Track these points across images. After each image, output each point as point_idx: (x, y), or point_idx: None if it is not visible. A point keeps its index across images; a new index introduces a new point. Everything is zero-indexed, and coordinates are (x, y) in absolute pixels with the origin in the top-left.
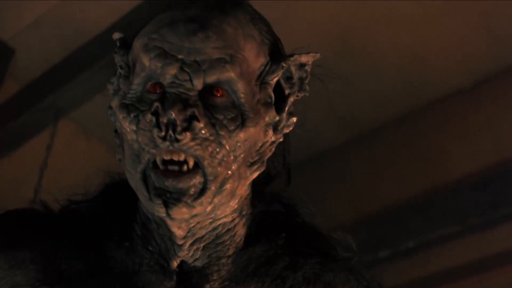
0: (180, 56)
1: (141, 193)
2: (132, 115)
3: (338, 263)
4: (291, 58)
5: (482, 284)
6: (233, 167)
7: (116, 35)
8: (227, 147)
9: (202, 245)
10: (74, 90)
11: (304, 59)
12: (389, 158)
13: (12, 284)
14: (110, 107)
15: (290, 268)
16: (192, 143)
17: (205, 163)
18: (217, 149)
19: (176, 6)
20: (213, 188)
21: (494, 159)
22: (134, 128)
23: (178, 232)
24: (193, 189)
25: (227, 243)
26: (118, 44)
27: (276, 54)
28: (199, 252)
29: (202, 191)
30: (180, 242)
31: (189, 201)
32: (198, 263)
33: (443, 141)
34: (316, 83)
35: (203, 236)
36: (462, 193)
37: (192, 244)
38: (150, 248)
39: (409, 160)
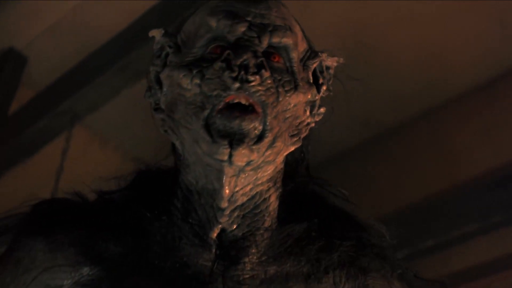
0: (248, 18)
1: (203, 139)
2: (195, 71)
3: (373, 249)
4: (323, 54)
5: (505, 282)
6: (283, 127)
7: (155, 32)
8: (282, 104)
9: (242, 213)
10: (88, 95)
11: (329, 61)
12: (408, 158)
13: (53, 265)
14: (149, 89)
15: (326, 250)
16: (259, 87)
17: (268, 110)
18: (275, 103)
19: None
20: (269, 137)
21: None
22: (198, 81)
23: (226, 191)
24: (254, 132)
25: (264, 213)
26: (161, 33)
27: (311, 47)
28: (239, 220)
29: (260, 138)
30: (224, 205)
31: (250, 143)
32: (238, 232)
33: (461, 139)
34: (335, 85)
35: (243, 204)
36: (482, 190)
37: (233, 211)
38: (190, 220)
39: (428, 159)
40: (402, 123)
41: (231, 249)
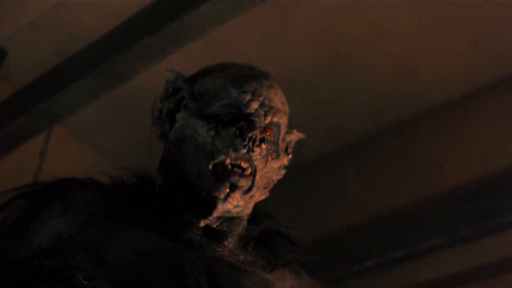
0: (260, 98)
1: (208, 178)
2: (211, 125)
3: (304, 262)
4: (295, 131)
5: None
6: (262, 183)
7: (173, 75)
8: (267, 168)
9: (222, 220)
10: (68, 96)
11: (294, 136)
12: (379, 169)
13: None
14: (158, 119)
15: (274, 252)
16: (258, 156)
17: (258, 174)
18: (264, 168)
19: (240, 64)
20: (253, 191)
21: (483, 171)
22: (212, 134)
23: (214, 215)
24: (244, 188)
25: (238, 223)
26: (181, 78)
27: (290, 124)
28: (220, 223)
29: (247, 191)
30: (209, 218)
31: (241, 192)
32: (218, 228)
33: (432, 152)
34: (309, 93)
35: (225, 219)
36: (451, 204)
37: (218, 219)
38: (185, 215)
39: (398, 171)
40: (373, 135)
41: (215, 235)
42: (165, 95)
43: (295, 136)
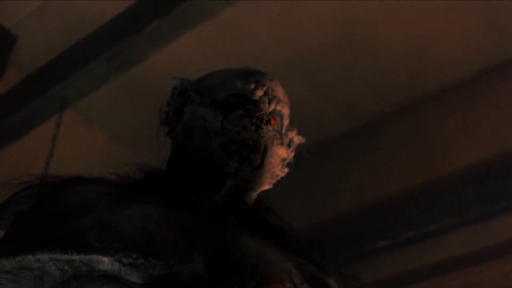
0: (264, 88)
1: (219, 155)
2: (219, 110)
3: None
4: (295, 130)
5: (481, 274)
6: (269, 170)
7: (177, 81)
8: (274, 151)
9: (229, 198)
10: (78, 81)
11: (296, 138)
12: (389, 149)
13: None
14: (166, 112)
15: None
16: (266, 134)
17: (268, 150)
18: (271, 147)
19: (243, 66)
20: (264, 169)
21: (495, 151)
22: (221, 118)
23: (226, 188)
24: (254, 163)
25: (250, 193)
26: (186, 82)
27: (291, 122)
28: (227, 201)
29: (258, 167)
30: (223, 192)
31: (251, 168)
32: (224, 206)
33: (443, 132)
34: (321, 74)
35: (234, 195)
36: (462, 184)
37: (226, 198)
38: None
39: (409, 151)
40: (385, 115)
41: (220, 213)
42: (171, 97)
43: (296, 136)
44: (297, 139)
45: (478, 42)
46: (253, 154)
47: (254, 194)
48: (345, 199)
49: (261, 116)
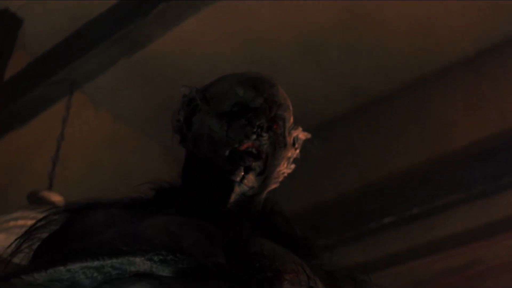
0: (264, 95)
1: (224, 163)
2: (224, 121)
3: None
4: (299, 128)
5: (485, 249)
6: (273, 172)
7: (186, 90)
8: (276, 155)
9: (239, 204)
10: (86, 62)
11: (302, 135)
12: (394, 127)
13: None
14: (177, 125)
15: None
16: (267, 142)
17: (270, 156)
18: (273, 153)
19: (248, 73)
20: (267, 173)
21: (499, 129)
22: (225, 128)
23: (234, 195)
24: (257, 170)
25: (258, 197)
26: (194, 90)
27: (295, 120)
28: (236, 207)
29: (261, 173)
30: (232, 199)
31: (255, 174)
32: (235, 211)
33: (448, 110)
34: (326, 54)
35: (242, 200)
36: (466, 161)
37: (235, 203)
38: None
39: (414, 129)
40: (389, 94)
41: (231, 217)
42: (181, 105)
43: (302, 133)
44: (302, 136)
45: (482, 20)
46: (256, 162)
47: (262, 197)
48: (351, 176)
49: (261, 124)
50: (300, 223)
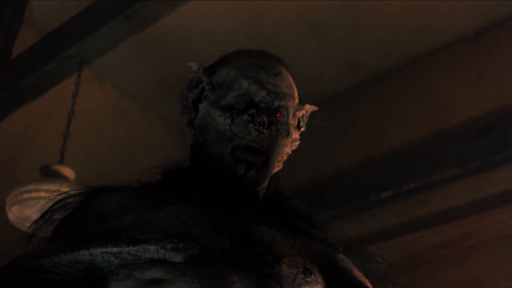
0: (267, 86)
1: (227, 160)
2: (227, 114)
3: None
4: (306, 106)
5: (480, 223)
6: (277, 158)
7: (194, 66)
8: (279, 145)
9: (243, 193)
10: (96, 39)
11: (308, 108)
12: (393, 103)
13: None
14: (185, 107)
15: (293, 225)
16: (269, 137)
17: (271, 151)
18: (275, 146)
19: (252, 52)
20: (267, 167)
21: (495, 105)
22: (229, 122)
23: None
24: (259, 164)
25: (257, 191)
26: (201, 70)
27: (300, 100)
28: (240, 196)
29: (262, 167)
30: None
31: (257, 169)
32: (240, 199)
33: (446, 87)
34: (329, 32)
35: (246, 189)
36: (464, 137)
37: (239, 193)
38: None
39: (413, 105)
40: (389, 70)
41: (236, 206)
42: (189, 85)
43: (306, 110)
44: (309, 108)
45: None
46: (258, 158)
47: (265, 184)
48: (351, 151)
49: (262, 121)
50: (300, 197)
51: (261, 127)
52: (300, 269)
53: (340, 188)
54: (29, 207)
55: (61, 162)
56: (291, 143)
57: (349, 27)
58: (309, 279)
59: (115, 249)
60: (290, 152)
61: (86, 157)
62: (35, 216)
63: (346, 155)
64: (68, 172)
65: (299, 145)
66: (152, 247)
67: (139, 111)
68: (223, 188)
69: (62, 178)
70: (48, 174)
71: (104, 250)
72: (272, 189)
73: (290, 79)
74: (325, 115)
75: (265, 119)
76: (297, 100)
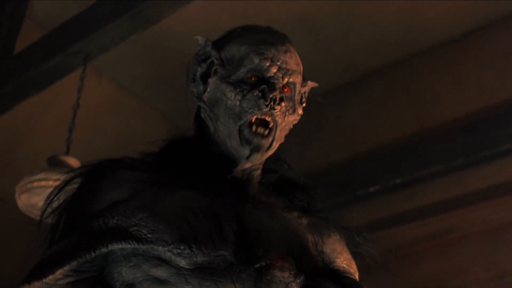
0: (278, 63)
1: (235, 139)
2: (238, 90)
3: (311, 202)
4: (309, 82)
5: (462, 217)
6: (282, 135)
7: (201, 40)
8: (285, 122)
9: (244, 172)
10: (100, 36)
11: (310, 84)
12: (382, 101)
13: (120, 185)
14: (192, 81)
15: (290, 199)
16: (279, 113)
17: (279, 127)
18: (283, 122)
19: (259, 28)
20: (274, 145)
21: (480, 105)
22: (239, 97)
23: (240, 167)
24: (265, 146)
25: (255, 173)
26: (209, 44)
27: (303, 77)
28: (243, 174)
29: (268, 147)
30: (235, 171)
31: (263, 151)
32: (242, 178)
33: (433, 86)
34: (320, 32)
35: (246, 170)
36: (449, 135)
37: (241, 172)
38: (214, 170)
39: (401, 103)
40: (379, 69)
41: (239, 184)
42: (197, 59)
43: (309, 86)
44: (311, 85)
45: (467, 2)
46: (264, 140)
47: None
48: (340, 147)
49: (274, 97)
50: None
51: (272, 103)
52: (292, 273)
53: (329, 182)
54: (37, 195)
55: (67, 153)
56: (296, 117)
57: (341, 28)
58: (299, 280)
59: (128, 246)
60: (292, 126)
61: (84, 148)
62: (42, 203)
63: (335, 150)
64: (74, 162)
65: (289, 140)
66: (160, 248)
67: (135, 104)
68: (226, 170)
69: (69, 168)
70: (55, 164)
71: (120, 246)
72: (273, 159)
73: (297, 56)
74: (316, 111)
75: (277, 94)
76: (301, 76)
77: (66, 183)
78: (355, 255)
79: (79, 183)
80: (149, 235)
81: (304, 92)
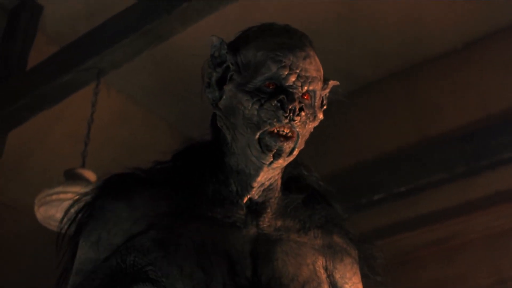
0: (297, 71)
1: (255, 148)
2: (255, 99)
3: (334, 220)
4: (330, 82)
5: (465, 224)
6: (303, 143)
7: (216, 39)
8: (306, 130)
9: (263, 188)
10: (113, 53)
11: (331, 83)
12: (385, 110)
13: (134, 218)
14: (208, 86)
15: (309, 216)
16: (299, 123)
17: (300, 136)
18: (304, 131)
19: (276, 28)
20: (295, 153)
21: (480, 114)
22: (257, 107)
23: (259, 178)
24: (287, 150)
25: (275, 188)
26: (224, 47)
27: (324, 80)
28: (260, 193)
29: (291, 153)
30: (255, 185)
31: (285, 156)
32: (259, 199)
33: (435, 96)
34: (323, 44)
35: (265, 183)
36: (450, 144)
37: (259, 187)
38: (230, 189)
39: (403, 112)
40: (381, 79)
41: (255, 209)
42: (212, 61)
43: (329, 87)
44: (332, 84)
45: (468, 13)
46: (286, 144)
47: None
48: (344, 156)
49: (293, 108)
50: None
51: (291, 114)
52: None
53: (334, 190)
54: (54, 207)
55: (83, 166)
56: (315, 125)
57: (343, 39)
58: None
59: (141, 285)
60: (312, 129)
61: (96, 159)
62: (58, 214)
63: (340, 158)
64: (90, 175)
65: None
66: None
67: (143, 115)
68: (248, 175)
69: (85, 180)
70: (72, 177)
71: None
72: (293, 164)
73: (317, 59)
74: (321, 122)
75: (296, 105)
76: (322, 81)
77: (82, 206)
78: (366, 264)
79: (93, 207)
80: (163, 279)
81: (325, 95)
